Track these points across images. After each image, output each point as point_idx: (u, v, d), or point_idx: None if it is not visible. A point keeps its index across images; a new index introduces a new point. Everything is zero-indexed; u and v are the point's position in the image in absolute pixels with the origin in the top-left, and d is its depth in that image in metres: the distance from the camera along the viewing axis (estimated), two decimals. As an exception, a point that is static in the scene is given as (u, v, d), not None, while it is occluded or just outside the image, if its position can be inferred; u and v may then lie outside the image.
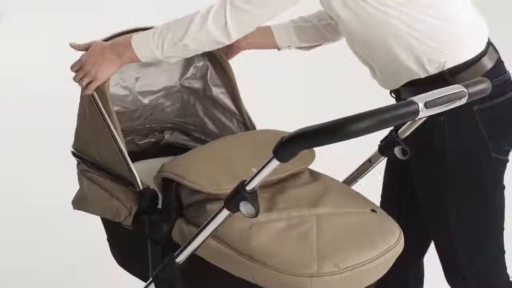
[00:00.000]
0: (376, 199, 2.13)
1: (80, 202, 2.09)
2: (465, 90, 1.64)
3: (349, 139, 1.48)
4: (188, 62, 2.23)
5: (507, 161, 1.98)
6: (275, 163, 1.54)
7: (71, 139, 2.13)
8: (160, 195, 1.91)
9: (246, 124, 2.22)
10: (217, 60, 2.19)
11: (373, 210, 1.88)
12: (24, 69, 4.97)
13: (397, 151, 2.00)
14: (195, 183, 1.83)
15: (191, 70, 2.25)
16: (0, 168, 3.95)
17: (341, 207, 1.86)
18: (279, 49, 2.20)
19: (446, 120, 1.89)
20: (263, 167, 1.57)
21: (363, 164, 2.09)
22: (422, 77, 1.90)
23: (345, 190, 2.00)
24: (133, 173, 1.90)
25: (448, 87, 1.63)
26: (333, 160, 2.45)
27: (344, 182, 2.10)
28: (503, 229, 2.02)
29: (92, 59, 1.92)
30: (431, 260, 2.19)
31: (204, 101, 2.29)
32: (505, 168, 1.99)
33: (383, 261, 1.74)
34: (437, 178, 1.96)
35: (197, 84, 2.27)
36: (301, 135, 1.49)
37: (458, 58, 1.89)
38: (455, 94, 1.61)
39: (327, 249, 1.70)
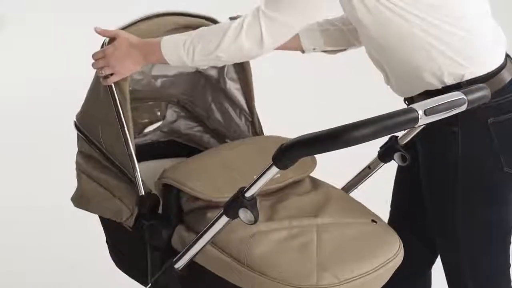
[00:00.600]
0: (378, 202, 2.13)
1: (79, 200, 2.07)
2: (464, 97, 1.63)
3: (348, 146, 1.48)
4: None
5: None
6: (274, 170, 1.54)
7: (71, 143, 2.13)
8: (161, 200, 1.91)
9: (254, 124, 2.21)
10: None
11: (373, 221, 1.88)
12: (24, 73, 4.96)
13: (397, 157, 2.00)
14: (195, 190, 1.83)
15: None
16: (1, 171, 3.95)
17: (342, 217, 1.86)
18: (303, 51, 2.16)
19: (460, 131, 1.87)
20: (262, 174, 1.57)
21: (362, 171, 2.08)
22: (439, 87, 1.87)
23: (346, 199, 1.99)
24: (137, 177, 1.89)
25: (448, 94, 1.63)
26: (334, 165, 2.44)
27: (343, 188, 2.10)
28: (510, 243, 2.01)
29: (117, 54, 1.90)
30: (437, 272, 2.18)
31: (215, 89, 2.26)
32: None
33: (382, 272, 1.75)
34: (447, 189, 1.94)
35: (212, 72, 2.24)
36: (300, 142, 1.49)
37: (478, 71, 1.86)
38: (455, 102, 1.61)
39: (327, 261, 1.70)
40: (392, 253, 1.78)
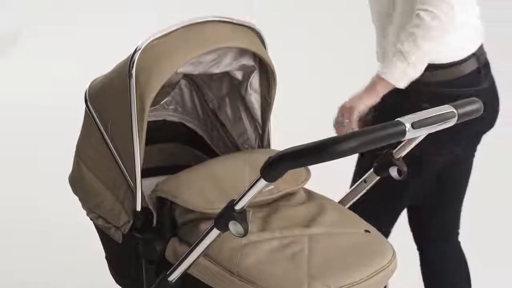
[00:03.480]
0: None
1: (77, 187, 2.05)
2: (454, 110, 1.64)
3: (335, 159, 1.49)
4: (239, 58, 2.06)
5: None
6: (262, 183, 1.56)
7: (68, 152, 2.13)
8: (154, 214, 1.92)
9: (263, 138, 2.18)
10: (267, 69, 2.07)
11: (366, 231, 1.88)
12: (32, 85, 4.99)
13: (392, 171, 1.99)
14: (188, 202, 1.84)
15: (237, 64, 2.08)
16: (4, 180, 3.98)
17: (334, 228, 1.87)
18: None
19: None
20: (251, 187, 1.59)
21: (358, 185, 2.07)
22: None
23: (340, 210, 1.99)
24: (138, 190, 1.88)
25: (438, 107, 1.63)
26: (331, 179, 2.45)
27: (339, 203, 2.09)
28: None
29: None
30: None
31: (234, 90, 2.18)
32: None
33: (375, 281, 1.74)
34: None
35: (237, 75, 2.13)
36: (286, 155, 1.50)
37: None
38: (444, 115, 1.62)
39: (317, 270, 1.70)
40: (384, 262, 1.78)
